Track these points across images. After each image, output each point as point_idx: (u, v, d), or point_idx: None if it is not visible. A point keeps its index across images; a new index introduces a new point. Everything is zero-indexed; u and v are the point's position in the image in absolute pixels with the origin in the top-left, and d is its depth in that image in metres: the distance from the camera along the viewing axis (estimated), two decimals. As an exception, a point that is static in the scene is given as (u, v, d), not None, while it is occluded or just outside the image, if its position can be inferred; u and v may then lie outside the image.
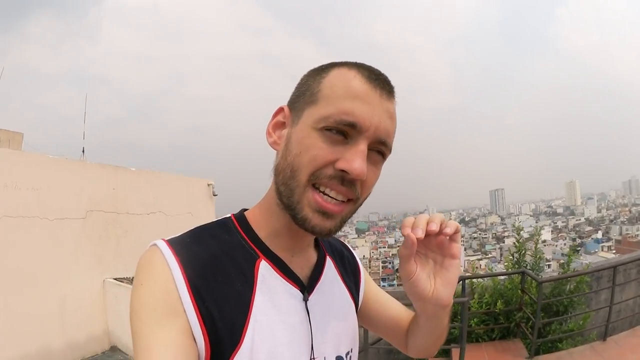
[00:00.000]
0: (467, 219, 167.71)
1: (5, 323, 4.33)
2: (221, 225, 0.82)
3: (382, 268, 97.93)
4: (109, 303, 5.38)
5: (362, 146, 0.70)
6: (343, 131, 0.70)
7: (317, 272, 0.88)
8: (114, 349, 5.42)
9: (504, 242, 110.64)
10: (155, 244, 0.74)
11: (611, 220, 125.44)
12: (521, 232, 6.59)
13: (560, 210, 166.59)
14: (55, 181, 5.12)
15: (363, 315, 1.06)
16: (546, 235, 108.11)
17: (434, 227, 0.74)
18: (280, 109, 0.81)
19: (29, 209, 4.76)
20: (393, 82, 0.77)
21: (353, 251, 1.08)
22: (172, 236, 0.76)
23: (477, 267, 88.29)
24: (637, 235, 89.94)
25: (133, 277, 0.76)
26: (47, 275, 4.88)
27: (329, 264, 0.93)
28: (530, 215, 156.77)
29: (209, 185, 6.62)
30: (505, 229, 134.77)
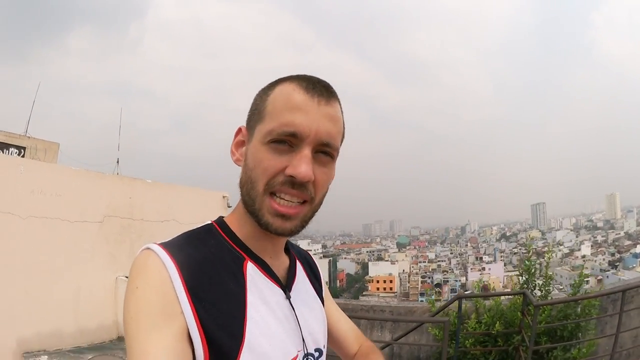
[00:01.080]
0: (508, 234, 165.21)
1: (23, 306, 4.85)
2: (206, 230, 0.88)
3: (421, 283, 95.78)
4: (120, 298, 5.76)
5: (305, 151, 0.77)
6: (287, 141, 0.78)
7: (292, 273, 0.96)
8: (121, 338, 5.71)
9: (543, 258, 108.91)
10: (148, 247, 0.77)
11: None
12: (531, 249, 6.70)
13: (600, 224, 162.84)
14: (76, 189, 5.68)
15: None
16: (585, 250, 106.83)
17: None
18: (239, 129, 0.90)
19: (53, 212, 5.29)
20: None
21: (317, 263, 1.17)
22: (163, 240, 0.79)
23: (515, 283, 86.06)
24: None
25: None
26: (65, 269, 5.42)
27: (299, 267, 1.01)
28: (571, 230, 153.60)
29: (224, 197, 7.01)
30: (546, 244, 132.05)
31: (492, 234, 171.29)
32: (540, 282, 5.94)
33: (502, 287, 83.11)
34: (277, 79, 0.86)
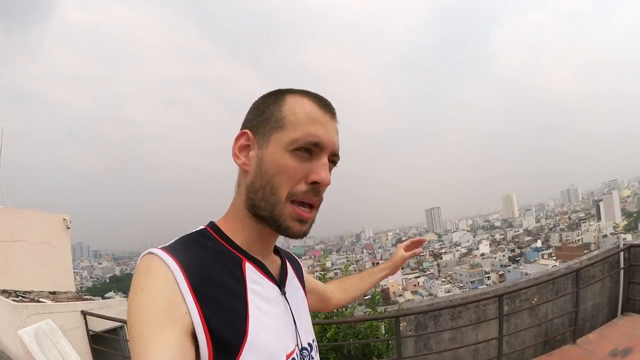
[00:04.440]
0: (403, 239, 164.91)
1: None
2: (202, 234, 0.89)
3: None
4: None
5: (324, 159, 0.87)
6: (309, 149, 0.85)
7: (284, 272, 1.02)
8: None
9: (441, 259, 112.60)
10: (150, 252, 0.78)
11: (550, 229, 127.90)
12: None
13: (498, 224, 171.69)
14: None
15: None
16: (484, 248, 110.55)
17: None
18: (243, 133, 0.92)
19: None
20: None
21: (297, 259, 1.25)
22: (163, 245, 0.82)
23: (415, 285, 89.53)
24: (579, 240, 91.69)
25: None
26: None
27: (289, 266, 1.08)
28: (468, 231, 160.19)
29: (64, 219, 7.39)
30: (443, 246, 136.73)
31: (387, 239, 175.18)
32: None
33: (402, 289, 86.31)
34: (279, 89, 0.93)
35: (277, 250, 1.07)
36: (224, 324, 0.75)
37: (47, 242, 6.90)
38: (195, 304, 0.72)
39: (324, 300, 1.39)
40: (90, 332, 5.56)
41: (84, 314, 5.57)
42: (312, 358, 0.98)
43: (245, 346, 0.76)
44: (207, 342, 0.72)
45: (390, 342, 4.74)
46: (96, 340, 5.62)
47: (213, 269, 0.81)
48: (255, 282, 0.87)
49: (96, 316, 5.59)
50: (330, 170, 0.91)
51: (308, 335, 1.00)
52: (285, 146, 0.85)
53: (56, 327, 4.62)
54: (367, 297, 4.88)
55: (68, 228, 7.49)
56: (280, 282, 0.97)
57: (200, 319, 0.72)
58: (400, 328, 4.71)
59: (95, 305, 6.13)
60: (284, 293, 0.95)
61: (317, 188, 0.86)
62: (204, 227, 0.93)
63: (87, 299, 7.02)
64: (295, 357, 0.90)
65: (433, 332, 5.34)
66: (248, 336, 0.77)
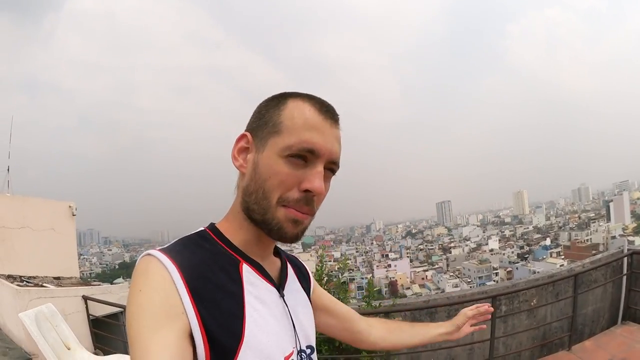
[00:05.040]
0: (413, 231, 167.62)
1: None
2: (200, 236, 0.90)
3: (327, 282, 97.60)
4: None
5: (319, 168, 0.84)
6: (304, 156, 0.83)
7: (284, 273, 1.01)
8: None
9: (450, 253, 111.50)
10: (149, 253, 0.79)
11: (560, 227, 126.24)
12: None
13: (508, 220, 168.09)
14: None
15: (314, 317, 1.16)
16: (493, 244, 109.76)
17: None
18: (243, 136, 0.92)
19: None
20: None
21: (305, 264, 1.22)
22: (162, 246, 0.82)
23: (423, 278, 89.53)
24: (588, 240, 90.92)
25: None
26: None
27: (290, 268, 1.07)
28: (478, 226, 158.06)
29: (70, 207, 7.54)
30: (452, 240, 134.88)
31: (397, 231, 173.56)
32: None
33: (410, 282, 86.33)
34: (283, 93, 0.92)
35: (278, 253, 1.06)
36: (220, 325, 0.75)
37: (53, 228, 7.08)
38: (192, 305, 0.73)
39: (351, 329, 1.31)
40: (90, 316, 5.70)
41: (85, 298, 5.71)
42: None
43: (242, 348, 0.76)
44: (203, 343, 0.73)
45: None
46: (97, 324, 5.76)
47: (210, 270, 0.82)
48: (253, 284, 0.87)
49: (97, 301, 5.72)
50: (328, 179, 0.91)
51: (308, 338, 0.99)
52: (280, 152, 0.84)
53: (56, 311, 4.75)
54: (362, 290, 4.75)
55: (74, 215, 7.63)
56: (279, 284, 0.96)
57: (197, 319, 0.73)
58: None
59: (96, 290, 6.27)
60: (282, 295, 0.94)
61: (309, 197, 0.85)
62: (203, 228, 0.94)
63: (90, 285, 7.16)
64: (294, 359, 0.90)
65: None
66: (244, 338, 0.78)
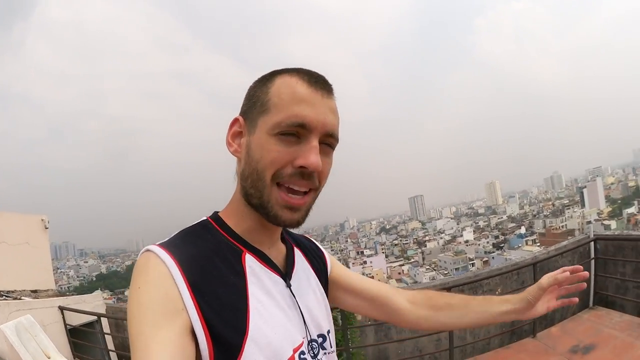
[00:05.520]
0: (387, 227, 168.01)
1: None
2: (202, 227, 0.88)
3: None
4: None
5: (314, 142, 0.80)
6: (295, 132, 0.79)
7: (290, 261, 0.96)
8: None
9: (425, 246, 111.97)
10: (148, 249, 0.78)
11: (534, 215, 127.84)
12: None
13: (481, 211, 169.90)
14: None
15: (337, 297, 1.15)
16: (468, 235, 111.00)
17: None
18: (236, 120, 0.89)
19: None
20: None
21: (317, 244, 1.17)
22: (162, 241, 0.81)
23: (400, 272, 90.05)
24: (563, 226, 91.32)
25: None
26: None
27: (298, 253, 1.02)
28: (451, 218, 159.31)
29: (42, 220, 7.66)
30: (427, 233, 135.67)
31: (371, 228, 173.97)
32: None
33: (387, 277, 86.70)
34: (273, 70, 0.87)
35: (284, 238, 1.02)
36: (223, 320, 0.73)
37: (27, 242, 7.17)
38: (193, 300, 0.72)
39: (385, 309, 1.18)
40: (68, 326, 5.88)
41: (61, 309, 5.89)
42: (324, 349, 0.95)
43: (247, 342, 0.74)
44: (206, 338, 0.71)
45: (348, 331, 4.90)
46: (74, 333, 5.96)
47: (212, 262, 0.79)
48: (256, 275, 0.84)
49: (72, 310, 5.91)
50: (328, 154, 0.87)
51: (320, 327, 0.96)
52: (269, 130, 0.80)
53: (35, 322, 4.95)
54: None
55: (46, 228, 7.72)
56: (285, 273, 0.92)
57: (198, 314, 0.71)
58: (360, 318, 5.19)
59: (71, 300, 6.43)
60: (289, 285, 0.91)
61: (305, 172, 0.81)
62: (206, 218, 0.92)
63: (65, 295, 7.23)
64: (305, 350, 0.87)
65: (379, 323, 5.34)
66: (249, 331, 0.75)
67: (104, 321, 6.34)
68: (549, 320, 5.55)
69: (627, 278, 5.51)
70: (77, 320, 6.03)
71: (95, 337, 6.20)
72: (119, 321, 6.48)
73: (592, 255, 5.74)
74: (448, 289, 4.98)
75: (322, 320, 0.97)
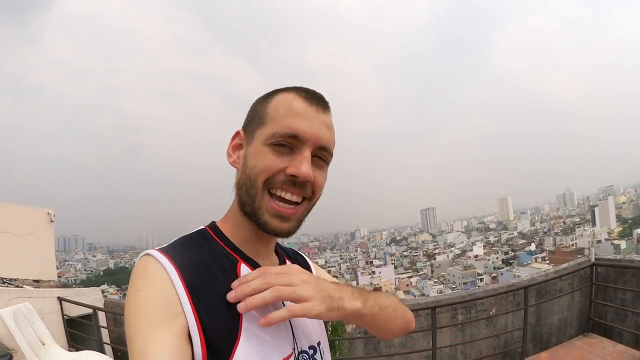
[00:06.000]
0: (398, 238, 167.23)
1: None
2: (201, 235, 0.91)
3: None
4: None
5: (306, 153, 0.84)
6: (288, 143, 0.84)
7: None
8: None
9: (435, 259, 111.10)
10: (147, 253, 0.80)
11: (545, 233, 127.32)
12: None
13: (492, 226, 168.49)
14: None
15: None
16: (478, 250, 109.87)
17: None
18: (237, 133, 0.95)
19: None
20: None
21: (304, 255, 1.21)
22: (161, 246, 0.84)
23: (408, 284, 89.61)
24: (573, 245, 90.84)
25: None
26: None
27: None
28: (462, 232, 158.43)
29: (48, 213, 7.83)
30: (437, 246, 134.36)
31: (382, 238, 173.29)
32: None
33: (394, 288, 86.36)
34: (274, 89, 0.92)
35: (277, 251, 1.06)
36: (217, 325, 0.75)
37: (32, 234, 7.32)
38: (191, 305, 0.74)
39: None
40: (65, 316, 6.00)
41: (60, 299, 6.02)
42: None
43: (237, 348, 0.76)
44: (201, 342, 0.73)
45: (336, 342, 4.94)
46: (71, 324, 6.07)
47: (209, 269, 0.82)
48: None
49: (71, 302, 6.03)
50: (322, 168, 0.91)
51: (310, 338, 0.97)
52: (264, 141, 0.85)
53: (33, 309, 5.09)
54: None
55: (52, 221, 7.84)
56: None
57: (195, 319, 0.73)
58: (349, 329, 5.13)
59: (70, 292, 6.56)
60: None
61: (297, 181, 0.84)
62: (204, 227, 0.94)
63: (65, 287, 7.45)
64: None
65: (370, 336, 5.23)
66: (240, 339, 0.77)
67: (102, 315, 6.46)
68: (544, 343, 5.50)
69: (625, 307, 5.28)
70: (75, 311, 6.15)
71: (91, 329, 6.30)
72: (116, 316, 6.57)
73: (593, 280, 5.62)
74: (437, 307, 4.94)
75: (313, 332, 1.00)
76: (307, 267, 1.15)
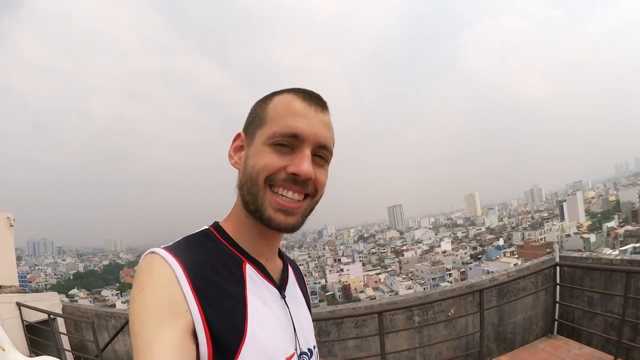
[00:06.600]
0: (365, 235, 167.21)
1: None
2: (205, 235, 0.92)
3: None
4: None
5: (306, 152, 0.85)
6: (289, 143, 0.85)
7: (285, 275, 1.03)
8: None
9: (402, 256, 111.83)
10: (153, 251, 0.80)
11: (513, 228, 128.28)
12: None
13: (460, 222, 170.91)
14: None
15: None
16: (446, 246, 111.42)
17: None
18: (238, 135, 0.96)
19: None
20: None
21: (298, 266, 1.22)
22: (166, 245, 0.83)
23: (377, 281, 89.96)
24: (542, 239, 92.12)
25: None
26: None
27: (290, 271, 1.08)
28: (430, 229, 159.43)
29: (7, 218, 7.72)
30: (405, 243, 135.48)
31: (349, 236, 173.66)
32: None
33: (363, 285, 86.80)
34: (274, 91, 0.94)
35: (281, 254, 1.08)
36: (223, 324, 0.76)
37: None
38: (196, 303, 0.74)
39: None
40: (25, 322, 6.02)
41: (19, 305, 6.05)
42: None
43: (243, 346, 0.77)
44: (206, 341, 0.73)
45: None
46: (31, 330, 6.09)
47: (214, 269, 0.82)
48: (255, 284, 0.89)
49: (29, 307, 6.05)
50: (322, 166, 0.92)
51: (308, 341, 1.00)
52: (265, 141, 0.86)
53: None
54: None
55: (11, 226, 7.77)
56: (280, 286, 0.97)
57: (201, 317, 0.74)
58: None
59: (29, 297, 6.58)
60: (283, 297, 0.96)
61: (298, 179, 0.85)
62: (207, 227, 0.94)
63: (23, 292, 7.39)
64: None
65: (336, 339, 5.16)
66: (246, 337, 0.78)
67: (62, 320, 6.47)
68: (508, 343, 5.41)
69: (593, 306, 5.08)
70: (34, 317, 6.16)
71: (51, 334, 6.32)
72: (77, 322, 6.59)
73: (557, 281, 5.45)
74: (384, 312, 4.70)
75: (310, 335, 1.02)
76: (301, 278, 1.18)
